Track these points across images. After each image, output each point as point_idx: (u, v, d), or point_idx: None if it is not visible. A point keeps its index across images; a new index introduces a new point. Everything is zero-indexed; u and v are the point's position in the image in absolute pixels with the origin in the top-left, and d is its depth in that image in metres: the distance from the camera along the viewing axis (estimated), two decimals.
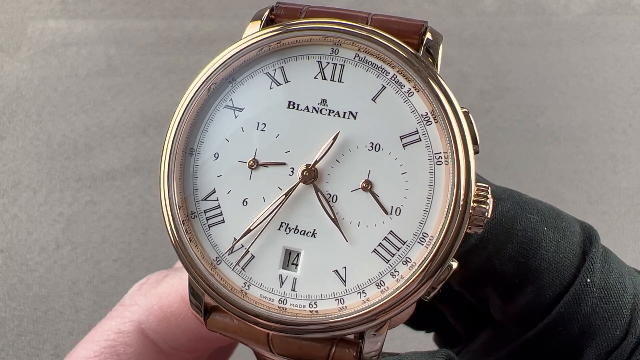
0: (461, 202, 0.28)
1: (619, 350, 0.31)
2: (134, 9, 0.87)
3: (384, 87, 0.31)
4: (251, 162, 0.31)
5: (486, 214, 0.29)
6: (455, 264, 0.29)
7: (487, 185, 0.29)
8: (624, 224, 0.79)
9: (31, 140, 0.82)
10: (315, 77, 0.31)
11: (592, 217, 0.79)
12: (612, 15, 0.89)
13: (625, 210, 0.80)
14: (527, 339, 0.33)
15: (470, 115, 0.30)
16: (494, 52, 0.84)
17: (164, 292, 0.37)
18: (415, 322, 0.43)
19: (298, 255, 0.31)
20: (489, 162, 0.80)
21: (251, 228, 0.31)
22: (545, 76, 0.85)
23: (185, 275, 0.33)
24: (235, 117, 0.32)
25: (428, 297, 0.30)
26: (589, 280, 0.32)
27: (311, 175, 0.31)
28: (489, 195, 0.29)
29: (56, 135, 0.82)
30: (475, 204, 0.29)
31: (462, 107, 0.30)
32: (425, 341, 0.47)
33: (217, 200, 0.32)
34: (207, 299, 0.31)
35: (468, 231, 0.29)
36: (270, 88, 0.32)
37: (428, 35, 0.31)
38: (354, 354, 0.30)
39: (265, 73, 0.32)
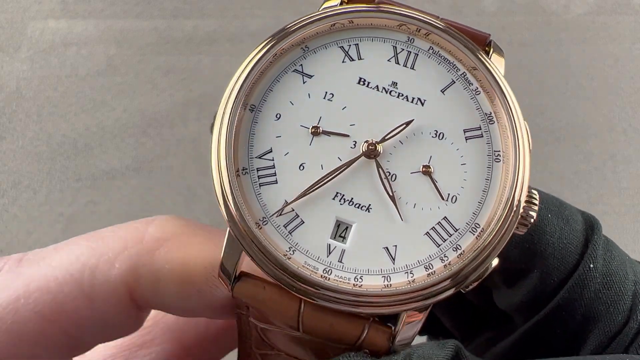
0: (516, 201, 0.30)
1: (621, 336, 0.32)
2: (134, 9, 0.87)
3: (453, 82, 0.32)
4: (313, 128, 0.31)
5: (534, 215, 0.30)
6: (495, 262, 0.30)
7: (536, 190, 0.31)
8: (624, 224, 0.79)
9: (31, 140, 0.82)
10: (388, 60, 0.32)
11: None
12: (612, 15, 0.89)
13: (625, 210, 0.80)
14: (531, 325, 0.34)
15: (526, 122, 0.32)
16: None
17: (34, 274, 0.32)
18: None
19: (347, 228, 0.31)
20: None
21: (306, 192, 0.30)
22: (545, 76, 0.85)
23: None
24: (303, 83, 0.32)
25: (466, 290, 0.30)
26: (592, 265, 0.32)
27: (375, 151, 0.31)
28: (537, 199, 0.30)
29: (56, 135, 0.82)
30: (526, 204, 0.30)
31: None
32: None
33: (273, 160, 0.31)
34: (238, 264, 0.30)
35: (515, 231, 0.30)
36: (343, 62, 0.32)
37: (491, 49, 0.33)
38: (387, 337, 0.30)
39: (340, 47, 0.32)
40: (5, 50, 0.85)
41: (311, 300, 0.29)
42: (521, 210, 0.30)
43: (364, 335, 0.30)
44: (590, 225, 0.34)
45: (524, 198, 0.30)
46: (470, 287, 0.30)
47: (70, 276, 0.32)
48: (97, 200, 0.80)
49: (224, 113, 0.31)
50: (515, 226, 0.30)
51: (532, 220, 0.30)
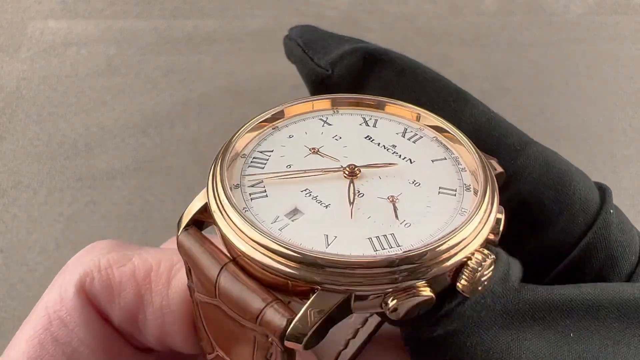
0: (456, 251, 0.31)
1: (634, 276, 0.36)
2: (134, 9, 0.87)
3: (445, 159, 0.37)
4: (313, 149, 0.37)
5: (479, 273, 0.31)
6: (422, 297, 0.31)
7: (491, 253, 0.31)
8: None
9: (31, 140, 0.82)
10: (397, 133, 0.39)
11: None
12: (612, 15, 0.89)
13: (625, 210, 0.80)
14: (560, 269, 0.37)
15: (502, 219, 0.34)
16: (494, 52, 0.84)
17: (114, 259, 0.38)
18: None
19: (301, 217, 0.34)
20: None
21: (279, 175, 0.35)
22: (545, 76, 0.85)
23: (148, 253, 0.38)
24: (322, 126, 0.39)
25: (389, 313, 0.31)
26: (612, 211, 0.37)
27: (353, 173, 0.35)
28: (488, 260, 0.31)
29: (56, 135, 0.82)
30: (469, 259, 0.31)
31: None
32: None
33: (269, 155, 0.37)
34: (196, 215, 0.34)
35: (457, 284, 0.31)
36: (360, 124, 0.39)
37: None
38: (285, 320, 0.29)
39: (362, 117, 0.40)
40: (5, 50, 0.86)
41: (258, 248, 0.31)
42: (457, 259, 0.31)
43: (263, 311, 0.30)
44: (600, 185, 0.39)
45: (467, 252, 0.31)
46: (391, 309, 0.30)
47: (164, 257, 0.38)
48: (97, 200, 0.80)
49: (254, 121, 0.38)
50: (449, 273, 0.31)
51: (479, 283, 0.31)
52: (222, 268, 0.32)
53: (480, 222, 0.32)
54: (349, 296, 0.30)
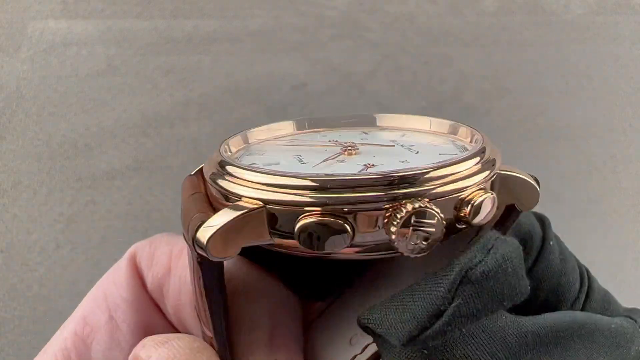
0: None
1: (577, 302, 0.38)
2: (134, 9, 0.87)
3: (456, 154, 0.37)
4: (331, 140, 0.41)
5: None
6: None
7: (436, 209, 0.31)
8: (624, 224, 0.79)
9: (31, 140, 0.82)
10: (422, 142, 0.40)
11: (592, 217, 0.79)
12: (612, 15, 0.89)
13: (625, 210, 0.80)
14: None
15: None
16: (494, 52, 0.84)
17: (165, 239, 0.43)
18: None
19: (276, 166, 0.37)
20: None
21: (278, 143, 0.39)
22: (545, 76, 0.85)
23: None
24: (359, 134, 0.42)
25: None
26: (552, 242, 0.38)
27: (351, 148, 0.38)
28: (430, 210, 0.30)
29: (56, 135, 0.82)
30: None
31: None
32: None
33: (291, 142, 0.41)
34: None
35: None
36: (394, 133, 0.42)
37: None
38: (197, 226, 0.31)
39: (403, 132, 0.42)
40: (5, 50, 0.85)
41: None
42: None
43: (193, 218, 0.31)
44: (540, 217, 0.40)
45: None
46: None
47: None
48: (97, 200, 0.80)
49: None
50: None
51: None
52: (194, 193, 0.35)
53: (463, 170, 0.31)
54: (263, 214, 0.29)
